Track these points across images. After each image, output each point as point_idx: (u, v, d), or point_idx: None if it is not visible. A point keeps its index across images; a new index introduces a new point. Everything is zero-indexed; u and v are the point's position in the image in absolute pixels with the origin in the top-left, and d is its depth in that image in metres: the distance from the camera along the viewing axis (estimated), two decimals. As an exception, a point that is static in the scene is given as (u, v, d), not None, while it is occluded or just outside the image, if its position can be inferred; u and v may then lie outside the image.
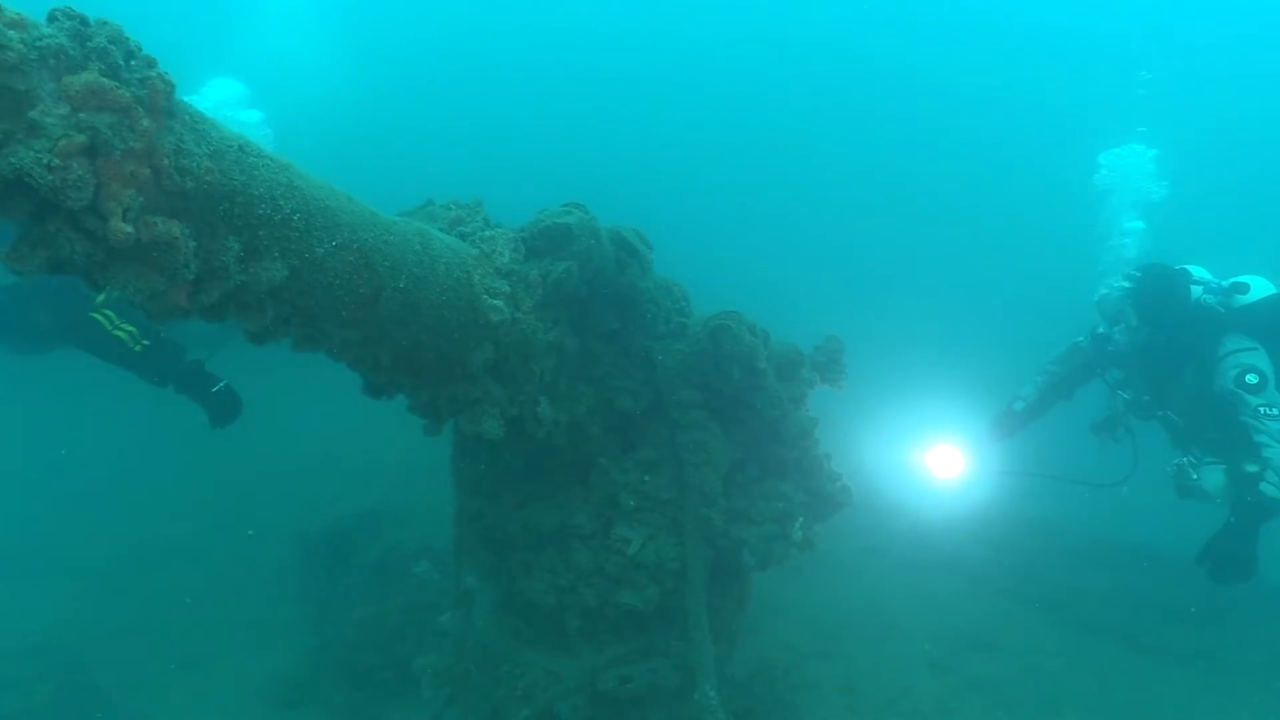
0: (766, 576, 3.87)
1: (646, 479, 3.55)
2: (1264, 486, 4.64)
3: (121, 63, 1.60)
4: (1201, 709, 5.44)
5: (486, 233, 2.83)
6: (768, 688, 4.46)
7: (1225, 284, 5.14)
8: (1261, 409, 4.67)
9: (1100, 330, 5.53)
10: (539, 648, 3.75)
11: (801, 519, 3.66)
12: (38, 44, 1.48)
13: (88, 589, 7.07)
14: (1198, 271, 5.29)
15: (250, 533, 7.07)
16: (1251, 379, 4.71)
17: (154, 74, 1.66)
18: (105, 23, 1.59)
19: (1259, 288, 5.11)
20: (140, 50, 1.66)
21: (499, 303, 2.66)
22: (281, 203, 2.00)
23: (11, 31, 1.43)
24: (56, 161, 1.49)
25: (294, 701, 5.83)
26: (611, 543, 3.56)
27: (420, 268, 2.44)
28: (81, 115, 1.53)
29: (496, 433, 2.83)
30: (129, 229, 1.61)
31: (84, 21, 1.57)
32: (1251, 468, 4.70)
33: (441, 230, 2.94)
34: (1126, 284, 5.23)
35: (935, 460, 5.71)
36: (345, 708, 5.55)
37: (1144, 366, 5.32)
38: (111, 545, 7.61)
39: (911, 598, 6.53)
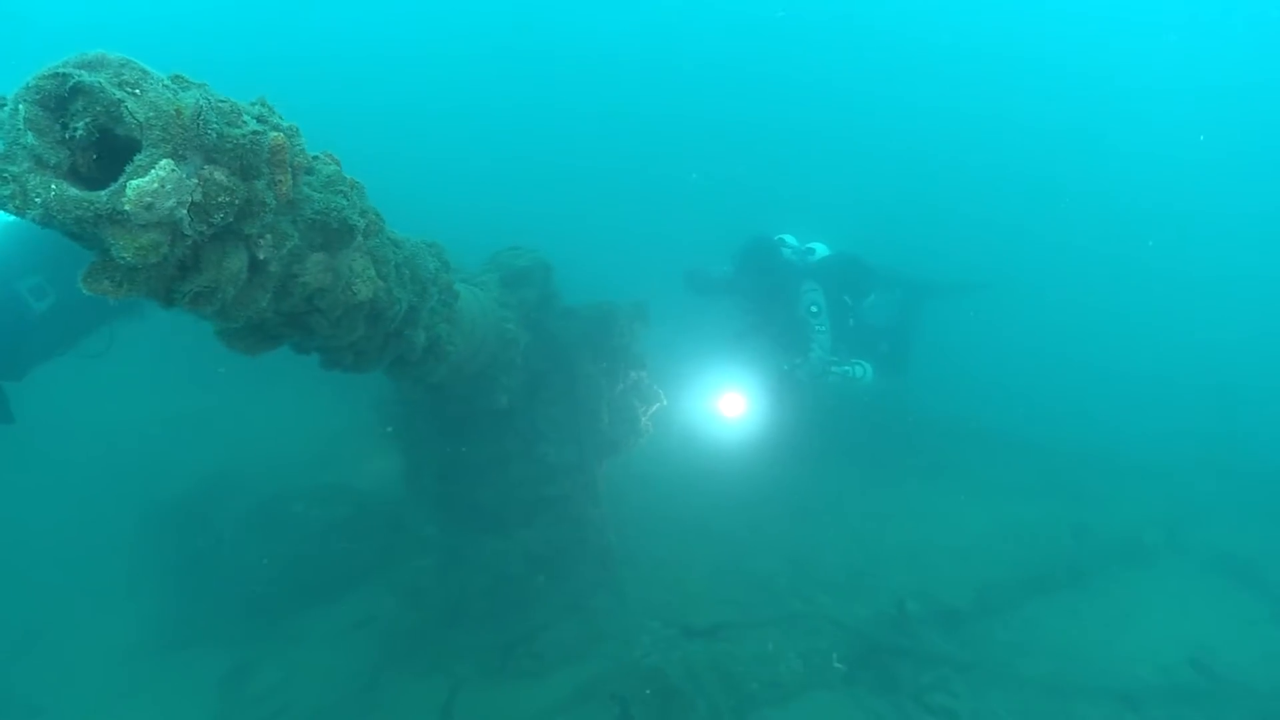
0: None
1: (554, 411, 5.30)
2: (795, 371, 7.71)
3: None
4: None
5: (483, 277, 4.29)
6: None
7: (803, 248, 8.07)
8: (817, 329, 7.68)
9: (731, 274, 8.12)
10: (486, 536, 5.42)
11: (645, 418, 5.72)
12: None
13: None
14: (789, 239, 8.15)
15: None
16: (814, 309, 7.68)
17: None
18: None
19: (821, 250, 8.11)
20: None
21: (512, 325, 4.20)
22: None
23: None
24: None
25: (186, 642, 6.55)
26: (535, 455, 5.29)
27: (484, 316, 3.91)
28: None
29: (504, 406, 4.41)
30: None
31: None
32: (798, 359, 7.67)
33: (466, 279, 4.32)
34: (745, 247, 7.81)
35: (725, 404, 7.10)
36: (250, 636, 6.44)
37: (755, 301, 8.03)
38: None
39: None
